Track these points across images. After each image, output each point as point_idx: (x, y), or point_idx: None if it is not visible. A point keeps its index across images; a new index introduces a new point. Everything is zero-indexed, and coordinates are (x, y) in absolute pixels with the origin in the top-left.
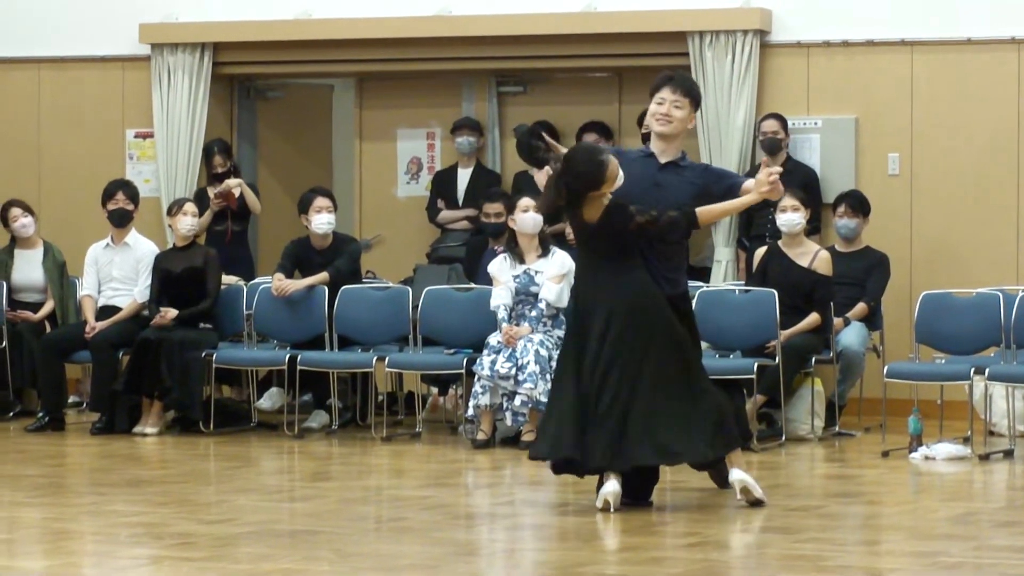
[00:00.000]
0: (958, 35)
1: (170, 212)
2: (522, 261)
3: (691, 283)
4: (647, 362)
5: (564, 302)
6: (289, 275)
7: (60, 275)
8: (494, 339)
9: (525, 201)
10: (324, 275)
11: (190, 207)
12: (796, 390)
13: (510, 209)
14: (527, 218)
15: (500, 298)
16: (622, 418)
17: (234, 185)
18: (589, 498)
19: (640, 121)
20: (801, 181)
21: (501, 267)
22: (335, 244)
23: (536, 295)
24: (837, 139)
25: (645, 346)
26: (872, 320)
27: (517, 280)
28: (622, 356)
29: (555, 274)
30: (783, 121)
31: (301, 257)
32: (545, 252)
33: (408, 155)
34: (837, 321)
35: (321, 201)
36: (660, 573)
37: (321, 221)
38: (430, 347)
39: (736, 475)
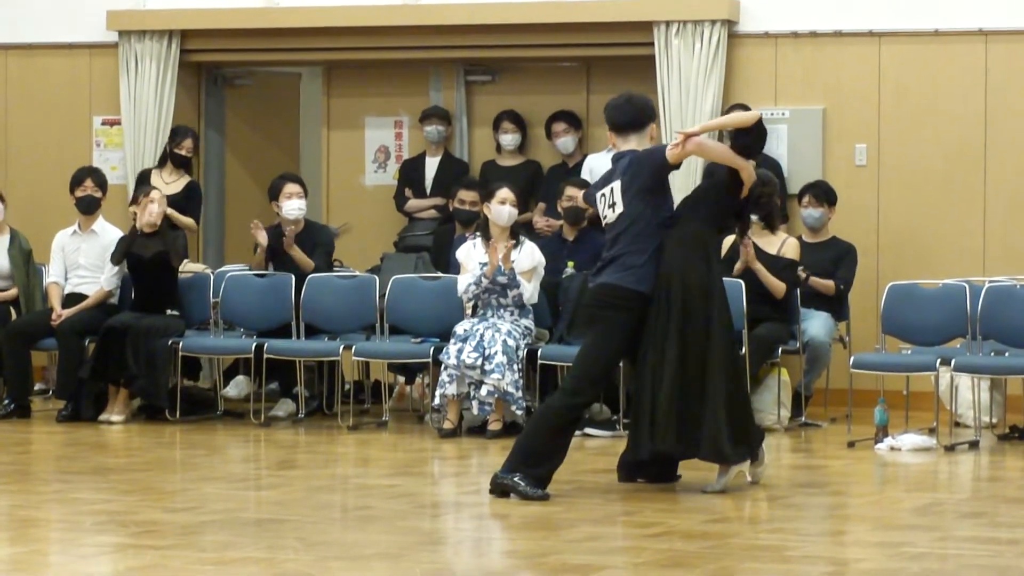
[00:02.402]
0: (926, 26)
1: (135, 199)
2: None
3: None
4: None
5: (535, 299)
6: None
7: (26, 262)
8: (461, 328)
9: (504, 192)
10: (311, 262)
11: (156, 194)
12: (763, 380)
13: (484, 199)
14: (503, 210)
15: (468, 281)
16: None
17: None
18: (553, 487)
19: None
20: None
21: (470, 254)
22: (307, 230)
23: (504, 285)
24: (805, 130)
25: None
26: (838, 310)
27: (484, 268)
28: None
29: (526, 269)
30: None
31: (273, 244)
32: (515, 243)
33: (376, 144)
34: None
35: (291, 187)
36: (625, 562)
37: (292, 207)
38: (397, 336)
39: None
